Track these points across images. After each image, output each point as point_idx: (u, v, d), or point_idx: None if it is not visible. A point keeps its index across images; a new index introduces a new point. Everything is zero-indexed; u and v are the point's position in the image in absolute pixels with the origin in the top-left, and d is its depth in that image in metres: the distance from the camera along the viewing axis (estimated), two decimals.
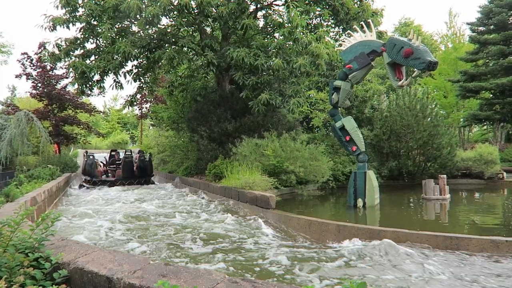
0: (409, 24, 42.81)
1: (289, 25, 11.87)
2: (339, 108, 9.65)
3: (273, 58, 12.32)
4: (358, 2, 14.75)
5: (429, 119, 14.21)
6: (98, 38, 14.42)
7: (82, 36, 14.47)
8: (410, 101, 14.45)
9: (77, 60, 14.11)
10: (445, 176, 10.68)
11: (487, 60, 25.60)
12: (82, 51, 14.78)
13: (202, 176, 14.84)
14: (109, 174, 19.50)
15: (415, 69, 7.88)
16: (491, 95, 25.36)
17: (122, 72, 15.08)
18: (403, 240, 5.42)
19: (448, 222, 7.93)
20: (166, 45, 14.57)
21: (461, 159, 14.91)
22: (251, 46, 12.82)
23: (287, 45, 12.97)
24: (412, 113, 14.06)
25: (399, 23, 44.55)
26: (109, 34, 13.25)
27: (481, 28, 26.30)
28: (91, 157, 18.45)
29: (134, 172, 18.67)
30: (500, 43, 24.00)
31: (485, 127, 31.09)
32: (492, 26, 25.06)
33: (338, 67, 15.50)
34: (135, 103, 21.30)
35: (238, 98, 14.50)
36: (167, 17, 13.93)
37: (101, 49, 14.57)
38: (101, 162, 20.42)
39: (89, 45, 14.95)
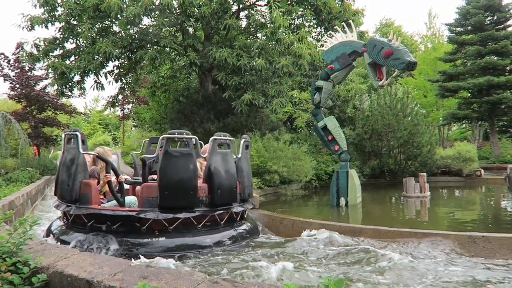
0: (390, 25, 43.48)
1: (272, 25, 11.93)
2: (322, 108, 9.74)
3: (256, 58, 12.35)
4: (340, 2, 14.90)
5: (409, 118, 14.48)
6: (78, 38, 14.18)
7: (61, 36, 14.21)
8: (391, 100, 14.70)
9: (57, 60, 13.85)
10: (425, 174, 10.90)
11: (465, 60, 26.20)
12: (61, 51, 14.51)
13: None
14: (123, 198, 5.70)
15: (395, 69, 8.05)
16: (469, 95, 25.97)
17: (103, 72, 14.87)
18: (384, 237, 5.52)
19: (428, 219, 8.10)
20: (148, 45, 14.44)
21: (441, 157, 15.24)
22: (233, 46, 12.82)
23: (270, 45, 13.01)
24: (393, 113, 14.30)
25: (380, 24, 45.21)
26: (89, 34, 13.05)
27: (459, 29, 26.93)
28: (72, 143, 5.67)
29: (198, 193, 5.46)
30: (477, 43, 24.59)
31: (463, 125, 31.82)
32: (469, 27, 25.68)
33: (321, 67, 15.64)
34: (116, 104, 21.05)
35: (221, 99, 14.49)
36: (149, 17, 13.80)
37: (81, 49, 14.34)
38: (92, 156, 5.94)
39: (69, 45, 14.70)
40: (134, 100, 30.85)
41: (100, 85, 15.36)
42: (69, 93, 16.69)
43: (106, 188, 5.67)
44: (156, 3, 12.31)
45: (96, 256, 2.76)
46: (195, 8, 12.64)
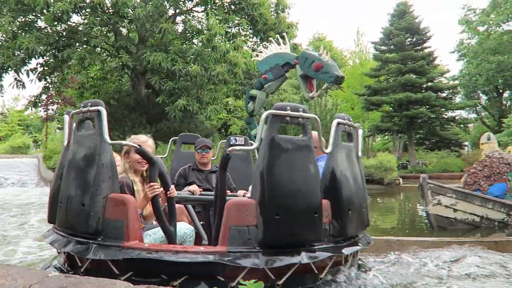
0: (322, 39, 45.52)
1: (208, 32, 11.98)
2: (255, 116, 9.93)
3: (191, 64, 12.31)
4: (275, 14, 15.37)
5: None
6: None
7: None
8: (321, 111, 15.42)
9: None
10: None
11: (388, 77, 28.23)
12: None
13: None
14: (174, 225, 2.88)
15: (325, 82, 8.48)
16: (391, 109, 27.97)
17: (25, 70, 13.85)
18: None
19: None
20: (77, 44, 13.72)
21: (365, 166, 16.22)
22: (169, 51, 12.66)
23: (206, 52, 13.03)
24: (322, 123, 14.99)
25: (313, 38, 47.17)
26: (9, 28, 12.09)
27: (383, 48, 28.99)
28: (88, 127, 2.86)
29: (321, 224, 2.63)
30: (398, 62, 26.61)
31: (386, 137, 34.18)
32: (392, 46, 27.77)
33: (255, 76, 15.94)
34: (39, 104, 19.63)
35: (154, 103, 14.17)
36: (79, 14, 13.14)
37: (0, 43, 13.23)
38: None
39: None
40: (60, 101, 28.93)
41: (21, 83, 14.27)
42: None
43: (148, 210, 3.01)
44: (87, 1, 11.79)
45: (9, 267, 2.57)
46: (129, 9, 12.31)
